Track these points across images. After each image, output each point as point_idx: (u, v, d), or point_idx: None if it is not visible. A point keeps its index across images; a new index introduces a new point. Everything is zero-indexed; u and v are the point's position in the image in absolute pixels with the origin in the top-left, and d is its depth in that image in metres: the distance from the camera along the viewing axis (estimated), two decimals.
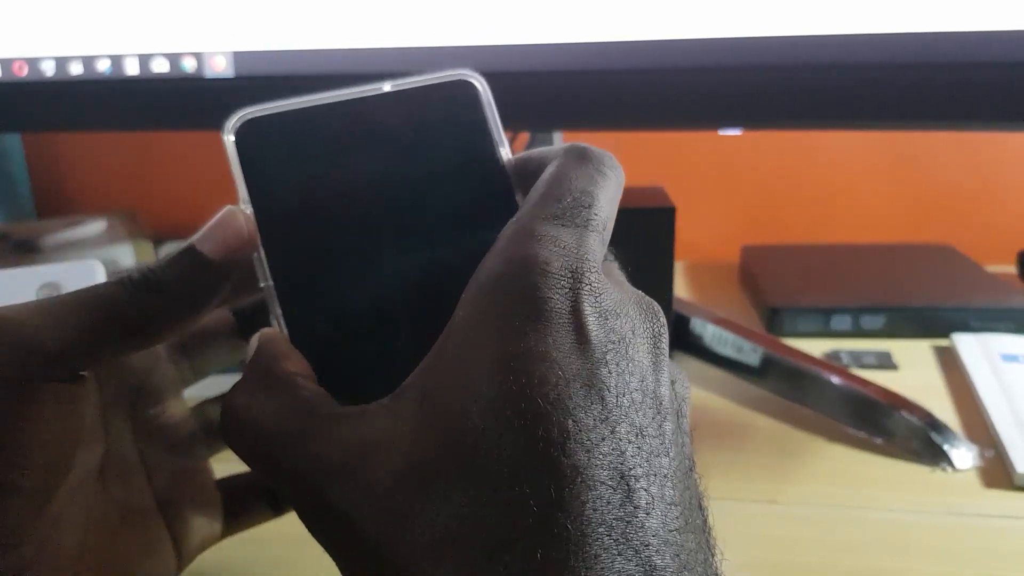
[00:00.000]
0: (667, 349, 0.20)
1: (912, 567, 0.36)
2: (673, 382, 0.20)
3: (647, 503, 0.17)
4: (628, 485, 0.17)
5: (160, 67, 0.49)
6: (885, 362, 0.55)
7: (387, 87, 0.24)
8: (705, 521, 0.19)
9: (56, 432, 0.21)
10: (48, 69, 0.51)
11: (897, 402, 0.45)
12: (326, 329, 0.22)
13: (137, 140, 0.90)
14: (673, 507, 0.17)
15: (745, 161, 0.82)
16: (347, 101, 0.24)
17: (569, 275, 0.19)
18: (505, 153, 0.24)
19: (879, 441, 0.45)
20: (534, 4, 0.44)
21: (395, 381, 0.20)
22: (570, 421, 0.17)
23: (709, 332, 0.53)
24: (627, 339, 0.19)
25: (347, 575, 0.19)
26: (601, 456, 0.17)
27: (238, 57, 0.48)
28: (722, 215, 0.84)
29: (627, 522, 0.16)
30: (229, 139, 0.23)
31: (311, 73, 0.47)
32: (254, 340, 0.22)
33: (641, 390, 0.19)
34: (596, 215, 0.21)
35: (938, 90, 0.43)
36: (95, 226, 0.78)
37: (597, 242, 0.20)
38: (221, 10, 0.48)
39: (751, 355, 0.51)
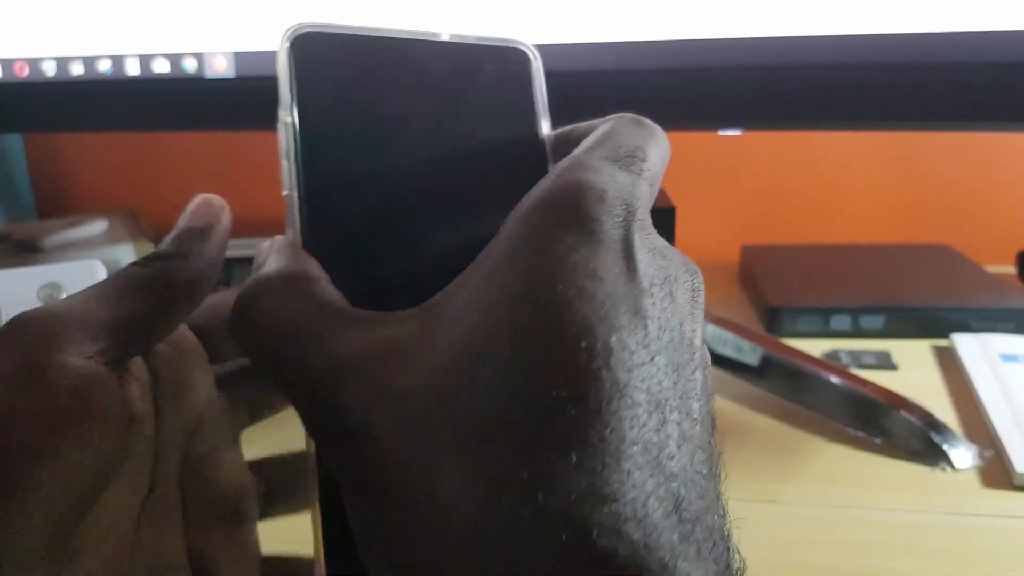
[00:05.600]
0: (702, 307, 0.20)
1: (912, 567, 0.36)
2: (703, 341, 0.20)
3: (679, 436, 0.17)
4: (663, 414, 0.17)
5: (161, 67, 0.49)
6: (885, 362, 0.55)
7: (445, 36, 0.24)
8: (721, 483, 0.18)
9: (101, 431, 0.20)
10: (49, 69, 0.51)
11: (897, 402, 0.45)
12: (343, 248, 0.22)
13: (137, 140, 0.90)
14: (700, 451, 0.17)
15: (745, 161, 0.82)
16: (402, 40, 0.24)
17: (623, 206, 0.19)
18: (546, 127, 0.24)
19: (879, 441, 0.45)
20: (533, 5, 0.44)
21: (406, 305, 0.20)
22: (614, 338, 0.17)
23: (709, 332, 0.53)
24: (672, 280, 0.19)
25: (352, 485, 0.18)
26: (640, 380, 0.17)
27: (239, 57, 0.48)
28: (722, 215, 0.84)
29: (660, 448, 0.16)
30: (284, 45, 0.23)
31: None
32: (269, 243, 0.22)
33: (680, 332, 0.18)
34: (649, 168, 0.21)
35: (938, 90, 0.43)
36: (95, 226, 0.78)
37: (648, 193, 0.21)
38: (222, 10, 0.48)
39: (751, 355, 0.51)
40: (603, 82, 0.46)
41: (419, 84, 0.24)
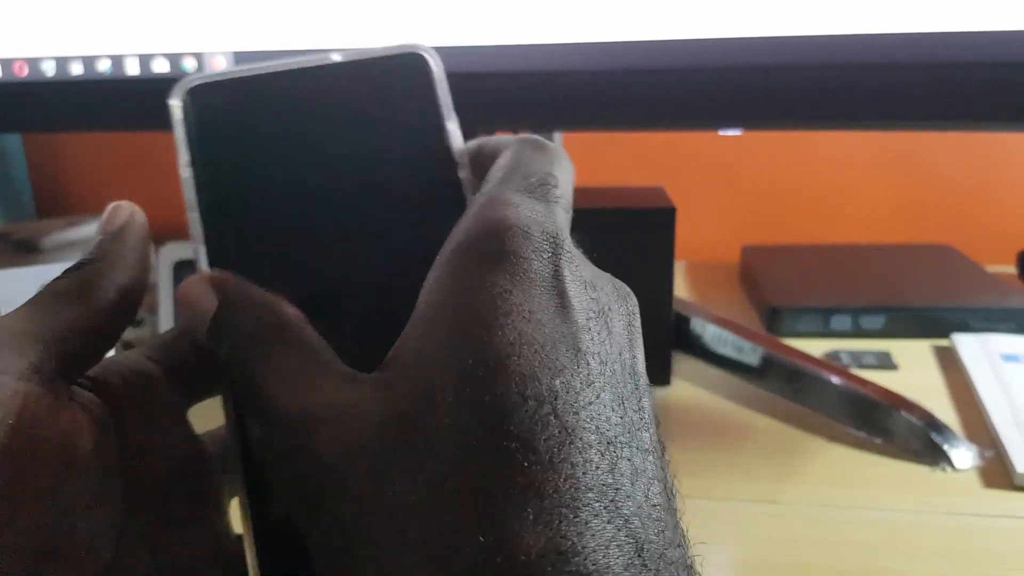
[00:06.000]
0: (640, 331, 0.20)
1: (912, 567, 0.36)
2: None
3: (631, 473, 0.17)
4: (615, 452, 0.17)
5: (161, 67, 0.49)
6: (885, 362, 0.55)
7: (336, 57, 0.24)
8: (677, 509, 0.18)
9: (37, 465, 0.18)
10: (48, 69, 0.51)
11: (897, 402, 0.45)
12: None
13: (137, 140, 0.90)
14: (655, 482, 0.17)
15: (745, 161, 0.82)
16: (294, 71, 0.24)
17: (550, 241, 0.19)
18: (453, 129, 0.24)
19: (879, 441, 0.45)
20: (534, 4, 0.44)
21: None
22: (558, 381, 0.17)
23: (709, 332, 0.53)
24: (606, 311, 0.19)
25: (317, 532, 0.17)
26: (588, 420, 0.16)
27: (238, 57, 0.48)
28: (722, 215, 0.84)
29: (616, 489, 0.16)
30: (174, 104, 0.23)
31: None
32: (197, 281, 0.21)
33: (620, 363, 0.18)
34: (562, 195, 0.21)
35: (938, 90, 0.43)
36: (95, 226, 0.78)
37: (566, 220, 0.21)
38: (221, 10, 0.48)
39: (751, 355, 0.51)
40: (603, 82, 0.46)
41: (315, 114, 0.23)
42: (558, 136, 0.60)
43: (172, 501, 0.22)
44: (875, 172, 0.81)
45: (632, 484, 0.16)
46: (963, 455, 0.43)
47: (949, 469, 0.43)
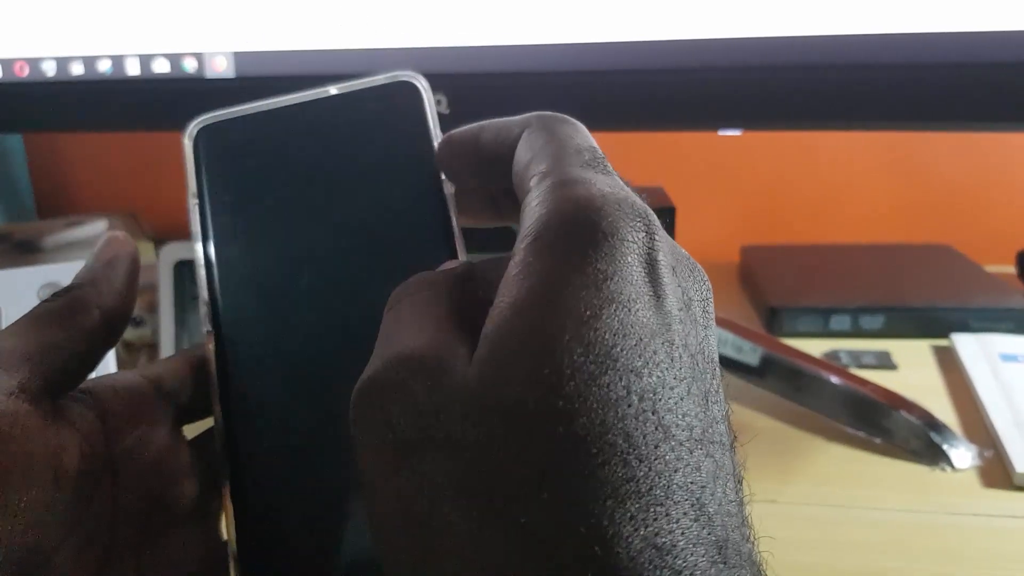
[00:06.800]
0: (713, 314, 0.19)
1: (911, 567, 0.36)
2: None
3: (714, 470, 0.16)
4: (700, 450, 0.16)
5: (161, 67, 0.49)
6: (884, 362, 0.55)
7: (333, 90, 0.25)
8: (745, 500, 0.18)
9: (25, 479, 0.18)
10: (49, 69, 0.51)
11: (896, 402, 0.45)
12: (255, 324, 0.23)
13: (137, 140, 0.90)
14: (731, 478, 0.17)
15: (745, 161, 0.82)
16: (294, 105, 0.25)
17: (643, 219, 0.18)
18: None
19: (878, 441, 0.45)
20: (534, 5, 0.44)
21: (321, 384, 0.21)
22: (655, 378, 0.16)
23: None
24: (690, 300, 0.18)
25: (413, 521, 0.17)
26: (681, 417, 0.16)
27: (239, 58, 0.48)
28: (722, 215, 0.84)
29: (702, 488, 0.16)
30: (187, 144, 0.25)
31: (311, 74, 0.47)
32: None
33: (702, 353, 0.18)
34: (611, 166, 0.20)
35: (938, 90, 0.43)
36: (95, 226, 0.78)
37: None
38: (222, 11, 0.48)
39: (751, 355, 0.51)
40: (604, 82, 0.46)
41: (314, 145, 0.25)
42: None
43: (161, 511, 0.23)
44: (875, 172, 0.81)
45: (714, 481, 0.16)
46: (962, 455, 0.43)
47: (948, 469, 0.43)
